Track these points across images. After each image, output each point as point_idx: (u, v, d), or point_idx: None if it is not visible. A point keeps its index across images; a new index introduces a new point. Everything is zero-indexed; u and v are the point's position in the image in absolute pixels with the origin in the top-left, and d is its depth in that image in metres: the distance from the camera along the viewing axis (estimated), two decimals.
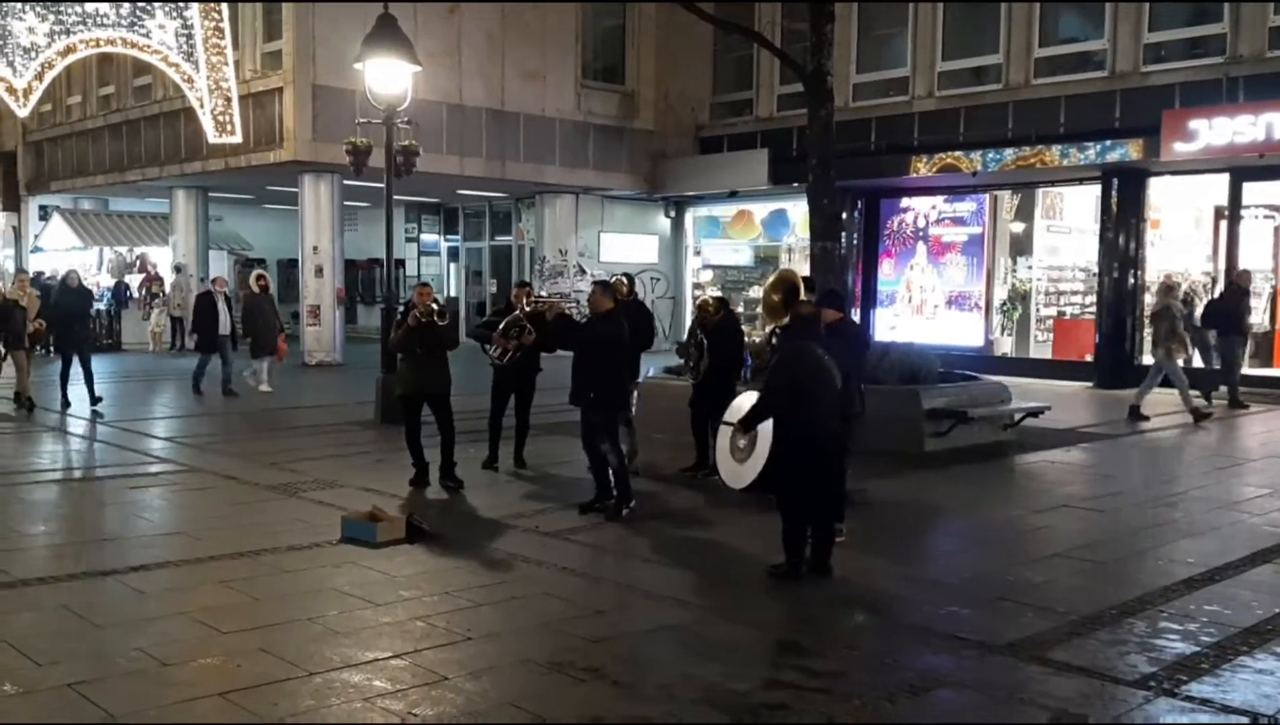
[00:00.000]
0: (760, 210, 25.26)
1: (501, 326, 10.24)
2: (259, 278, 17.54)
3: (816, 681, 5.33)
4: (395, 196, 14.42)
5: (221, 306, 16.82)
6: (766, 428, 7.10)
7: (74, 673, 5.18)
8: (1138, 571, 7.34)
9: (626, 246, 26.17)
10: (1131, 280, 19.12)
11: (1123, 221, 19.01)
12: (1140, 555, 7.78)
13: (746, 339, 11.61)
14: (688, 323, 20.73)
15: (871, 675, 5.38)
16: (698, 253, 27.16)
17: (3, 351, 14.52)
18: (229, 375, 16.57)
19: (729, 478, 7.72)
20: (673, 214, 27.03)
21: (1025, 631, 5.98)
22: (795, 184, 21.20)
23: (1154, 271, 19.90)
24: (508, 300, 11.00)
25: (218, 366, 16.56)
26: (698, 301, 10.98)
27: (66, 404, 14.67)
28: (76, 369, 14.74)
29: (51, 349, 15.77)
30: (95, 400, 14.50)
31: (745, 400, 7.74)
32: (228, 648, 5.56)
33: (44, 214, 29.46)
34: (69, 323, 15.16)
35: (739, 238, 26.26)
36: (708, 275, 26.82)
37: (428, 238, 30.51)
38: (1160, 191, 19.34)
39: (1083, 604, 6.48)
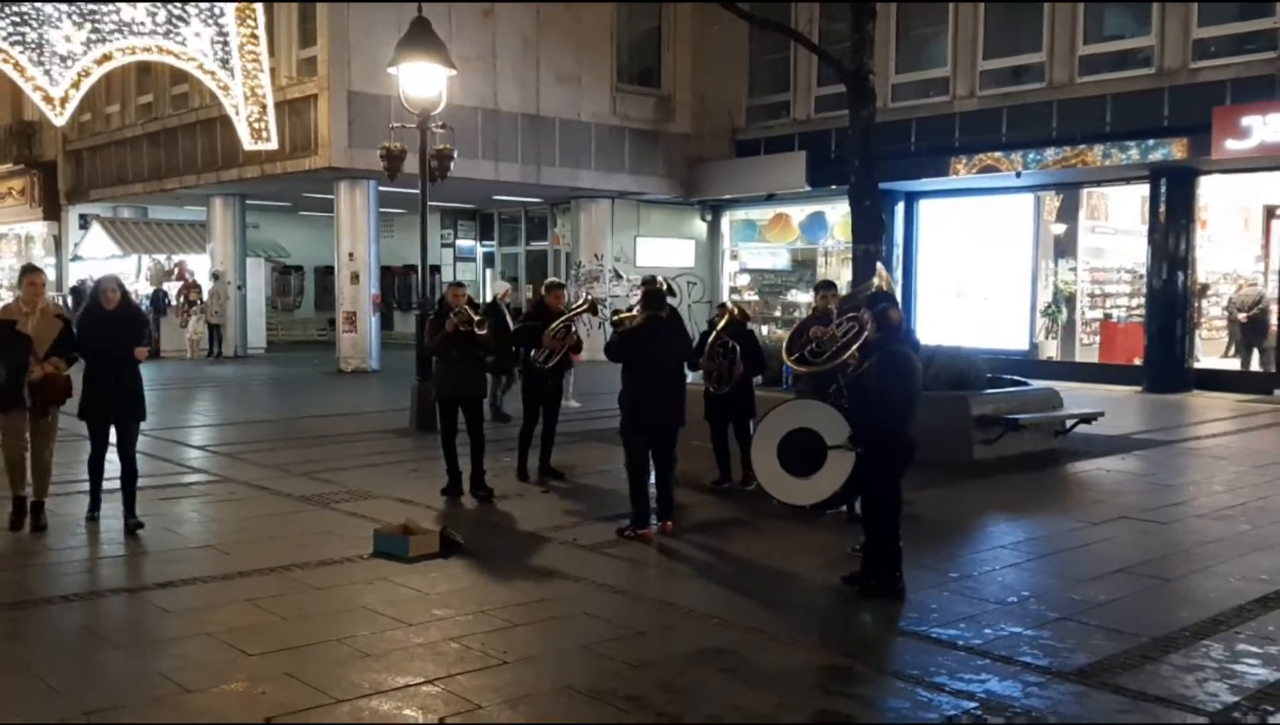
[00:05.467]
0: (798, 213, 24.92)
1: (552, 328, 9.96)
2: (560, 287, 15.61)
3: (874, 713, 5.04)
4: (431, 202, 14.23)
5: (510, 320, 14.09)
6: (837, 438, 6.85)
7: (90, 700, 4.95)
8: (1208, 589, 6.96)
9: (663, 251, 25.92)
10: (1181, 282, 18.60)
11: (1172, 222, 18.51)
12: (1208, 571, 7.40)
13: (764, 342, 11.28)
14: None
15: (932, 704, 5.06)
16: (734, 256, 26.86)
17: None
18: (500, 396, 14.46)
19: (787, 495, 7.37)
20: (709, 218, 26.75)
21: (1094, 655, 5.64)
22: (834, 186, 20.91)
23: (1203, 272, 19.42)
24: (540, 303, 10.63)
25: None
26: (724, 306, 10.59)
27: (95, 508, 8.47)
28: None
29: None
30: (130, 516, 8.28)
31: (788, 415, 7.35)
32: (253, 672, 5.32)
33: (84, 222, 29.62)
34: (107, 369, 8.18)
35: (776, 241, 25.93)
36: (744, 279, 26.53)
37: (463, 243, 30.42)
38: (1208, 191, 18.84)
39: (1152, 625, 6.13)
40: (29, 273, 8.44)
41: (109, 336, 8.16)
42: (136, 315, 8.86)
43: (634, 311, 8.54)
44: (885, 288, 8.14)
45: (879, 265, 9.14)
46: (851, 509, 8.12)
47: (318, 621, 6.13)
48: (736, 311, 10.02)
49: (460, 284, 10.28)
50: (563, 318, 10.13)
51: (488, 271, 29.63)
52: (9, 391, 7.89)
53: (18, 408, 7.95)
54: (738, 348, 9.70)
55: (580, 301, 10.37)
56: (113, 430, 8.31)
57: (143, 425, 8.62)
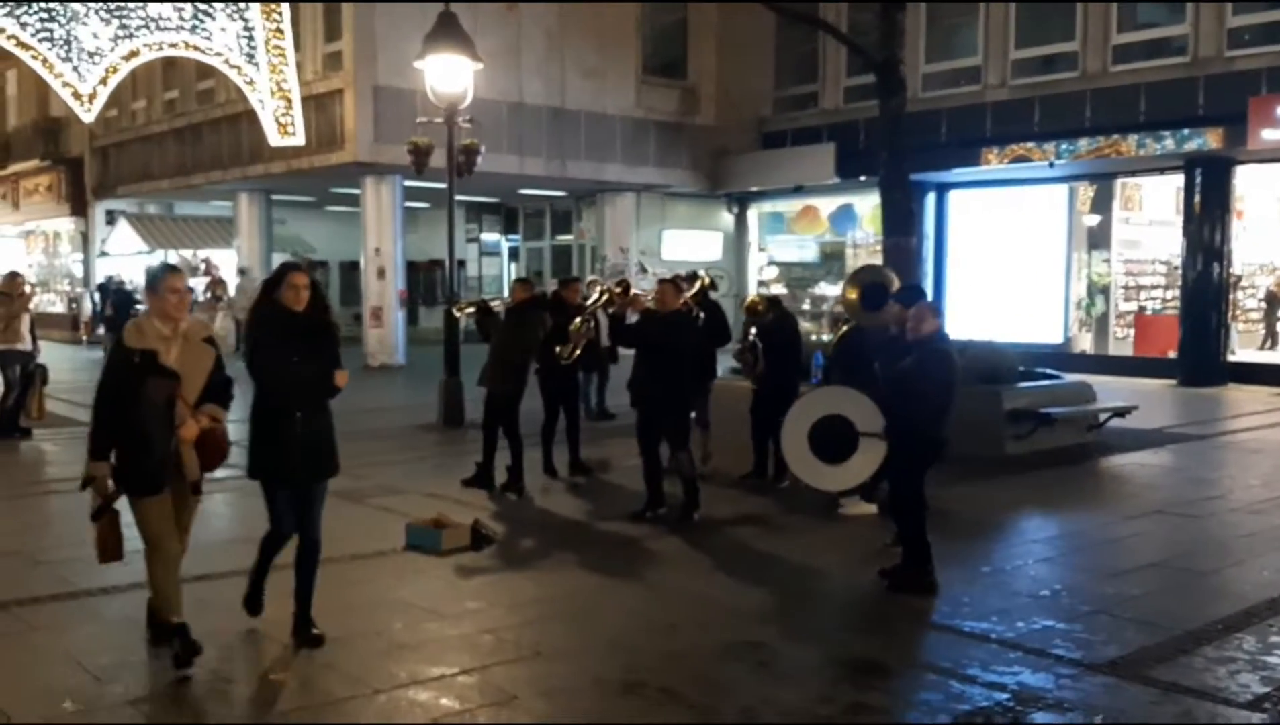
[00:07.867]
0: (826, 205, 24.81)
1: (577, 321, 9.96)
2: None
3: (907, 705, 5.04)
4: (456, 196, 14.28)
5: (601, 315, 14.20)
6: (868, 426, 6.90)
7: (134, 689, 5.04)
8: (1241, 583, 6.93)
9: (689, 244, 25.87)
10: (1217, 273, 18.43)
11: (1207, 213, 18.32)
12: (1242, 565, 7.35)
13: (814, 338, 11.21)
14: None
15: (964, 696, 5.05)
16: (762, 249, 26.79)
17: (110, 489, 5.32)
18: (602, 397, 14.01)
19: (817, 480, 7.41)
20: (735, 210, 26.68)
21: (1126, 648, 5.63)
22: (863, 177, 20.81)
23: (1238, 264, 19.25)
24: (556, 296, 10.62)
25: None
26: (745, 302, 10.59)
27: (256, 604, 6.03)
28: None
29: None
30: (304, 621, 5.73)
31: (820, 401, 7.40)
32: (293, 662, 5.38)
33: (110, 218, 29.86)
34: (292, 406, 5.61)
35: (804, 233, 25.84)
36: (772, 272, 26.44)
37: (488, 237, 30.51)
38: (1244, 181, 18.66)
39: (1185, 618, 6.11)
40: (168, 275, 5.37)
41: (300, 363, 5.45)
42: (330, 322, 5.78)
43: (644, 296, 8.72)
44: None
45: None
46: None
47: (354, 613, 6.19)
48: (759, 304, 10.01)
49: (523, 281, 10.42)
50: (584, 314, 10.09)
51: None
52: (163, 462, 5.21)
53: (151, 490, 5.27)
54: (759, 343, 9.69)
55: (597, 295, 10.24)
56: None
57: None
